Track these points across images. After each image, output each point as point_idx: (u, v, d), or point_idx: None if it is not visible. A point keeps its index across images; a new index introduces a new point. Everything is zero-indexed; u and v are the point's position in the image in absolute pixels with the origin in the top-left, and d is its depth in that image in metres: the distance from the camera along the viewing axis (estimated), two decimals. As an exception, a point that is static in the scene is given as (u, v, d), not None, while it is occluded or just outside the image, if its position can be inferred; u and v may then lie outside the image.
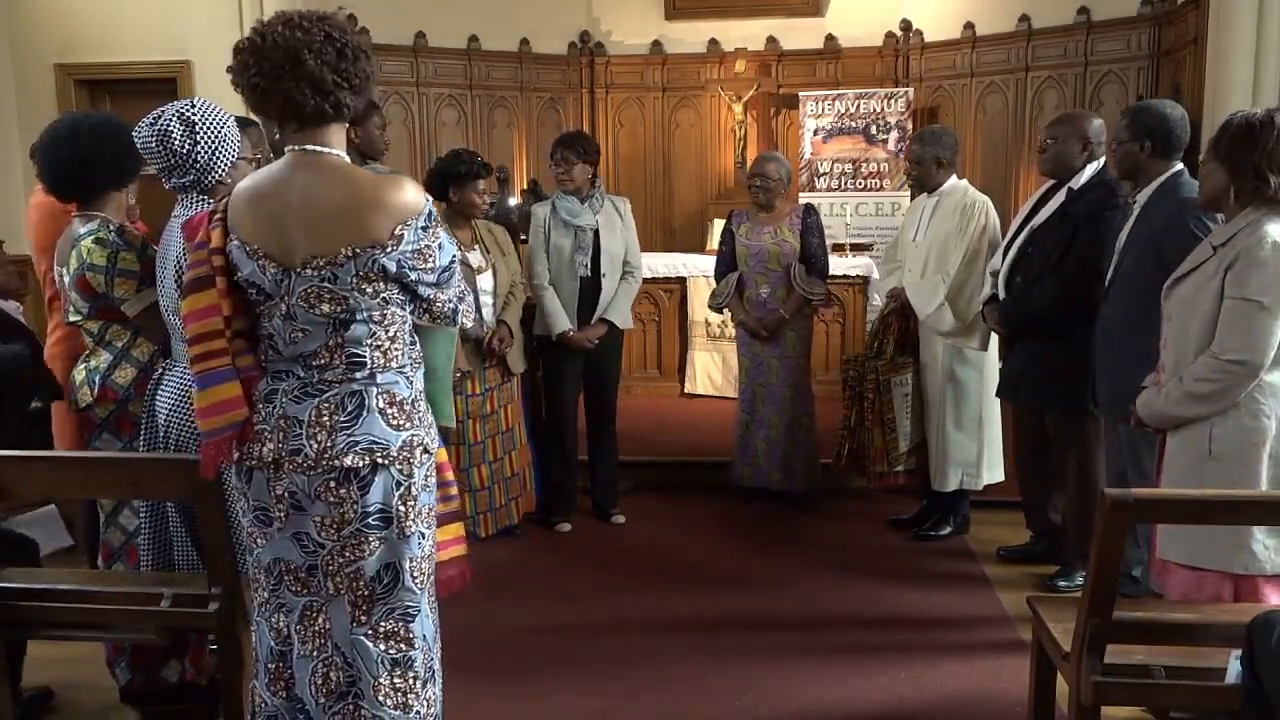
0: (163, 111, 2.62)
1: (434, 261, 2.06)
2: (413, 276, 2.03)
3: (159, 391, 2.71)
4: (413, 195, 2.03)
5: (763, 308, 4.67)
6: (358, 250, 1.98)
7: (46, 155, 2.94)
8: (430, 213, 2.05)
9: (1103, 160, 3.75)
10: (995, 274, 3.94)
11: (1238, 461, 2.56)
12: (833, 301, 5.04)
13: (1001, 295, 3.88)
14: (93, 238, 2.76)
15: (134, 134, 2.64)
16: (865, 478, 4.51)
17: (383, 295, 2.03)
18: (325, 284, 1.99)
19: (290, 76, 1.98)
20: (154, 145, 2.60)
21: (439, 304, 2.13)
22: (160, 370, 2.75)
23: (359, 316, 2.02)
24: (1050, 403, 3.81)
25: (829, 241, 4.94)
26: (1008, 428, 4.36)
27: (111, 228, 2.80)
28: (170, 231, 2.66)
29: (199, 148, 2.59)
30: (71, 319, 2.88)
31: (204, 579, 2.47)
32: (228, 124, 2.67)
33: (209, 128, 2.61)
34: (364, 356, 2.04)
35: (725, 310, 4.91)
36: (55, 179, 2.94)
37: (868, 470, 4.43)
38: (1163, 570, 2.73)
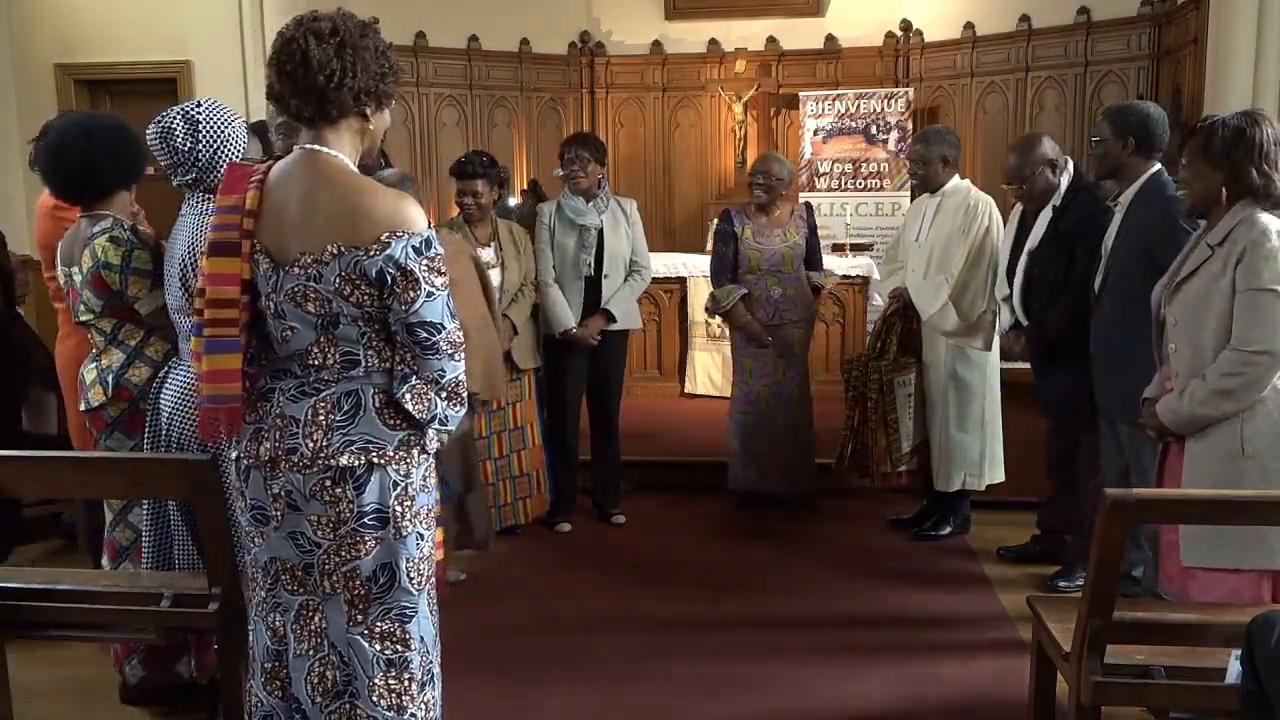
0: (170, 109, 2.65)
1: (415, 295, 1.96)
2: (388, 299, 1.97)
3: (164, 390, 2.72)
4: (410, 212, 1.99)
5: (774, 308, 4.63)
6: (343, 249, 1.96)
7: (53, 158, 2.90)
8: (429, 240, 1.99)
9: (1072, 168, 3.77)
10: (1006, 299, 3.94)
11: (1274, 457, 2.56)
12: (827, 285, 5.09)
13: (1024, 321, 3.87)
14: (107, 236, 2.75)
15: (147, 132, 2.67)
16: (869, 478, 4.46)
17: (366, 309, 1.99)
18: (311, 283, 1.98)
19: (291, 79, 1.99)
20: (157, 142, 2.63)
21: (421, 357, 2.00)
22: (165, 369, 2.76)
23: (343, 321, 2.01)
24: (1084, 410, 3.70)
25: (829, 242, 4.96)
26: (1008, 428, 4.36)
27: (125, 226, 2.80)
28: (178, 230, 2.67)
29: (200, 145, 2.62)
30: (82, 318, 2.86)
31: (204, 579, 2.47)
32: (233, 125, 2.70)
33: (212, 127, 2.64)
34: (358, 355, 2.04)
35: (718, 316, 4.81)
36: (61, 180, 2.91)
37: (871, 471, 4.40)
38: (1183, 575, 2.67)
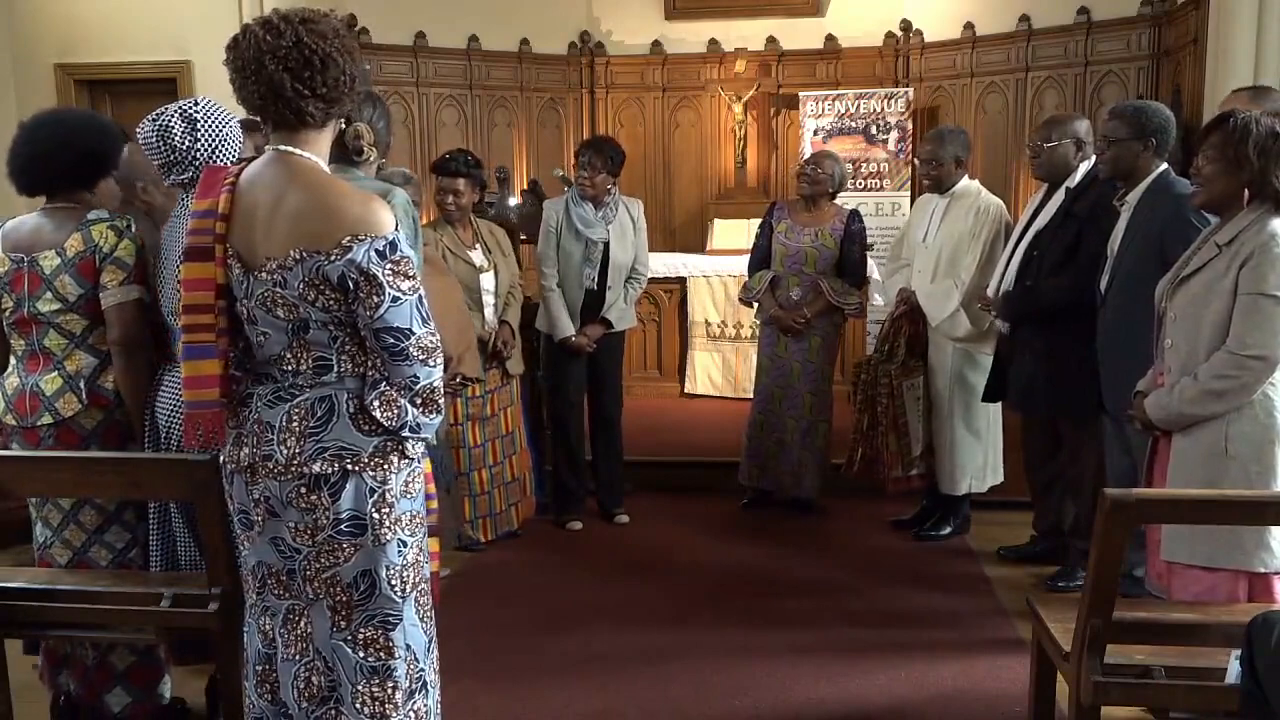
0: (166, 108, 2.62)
1: (379, 300, 1.91)
2: (353, 304, 1.94)
3: (159, 394, 2.71)
4: (376, 214, 1.95)
5: (794, 310, 4.61)
6: (305, 254, 1.93)
7: (14, 149, 2.76)
8: (394, 242, 1.94)
9: (1094, 159, 3.76)
10: (999, 278, 3.93)
11: (1255, 460, 2.57)
12: (866, 311, 5.01)
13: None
14: (107, 224, 2.69)
15: (137, 130, 2.64)
16: (882, 482, 4.41)
17: (335, 314, 1.96)
18: (277, 289, 1.95)
19: (254, 80, 1.97)
20: (155, 141, 2.59)
21: (391, 363, 1.96)
22: (160, 372, 2.74)
23: (313, 326, 1.98)
24: (1064, 408, 3.77)
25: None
26: (1010, 428, 4.35)
27: (128, 218, 2.76)
28: (172, 229, 2.66)
29: (199, 145, 2.59)
30: (43, 309, 2.67)
31: (204, 579, 2.47)
32: (230, 124, 2.67)
33: (210, 126, 2.61)
34: (331, 360, 2.01)
35: (755, 304, 4.77)
36: (16, 170, 2.74)
37: (884, 475, 4.37)
38: (1166, 573, 2.71)
